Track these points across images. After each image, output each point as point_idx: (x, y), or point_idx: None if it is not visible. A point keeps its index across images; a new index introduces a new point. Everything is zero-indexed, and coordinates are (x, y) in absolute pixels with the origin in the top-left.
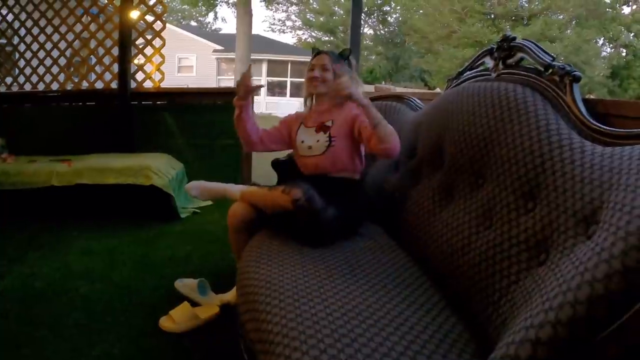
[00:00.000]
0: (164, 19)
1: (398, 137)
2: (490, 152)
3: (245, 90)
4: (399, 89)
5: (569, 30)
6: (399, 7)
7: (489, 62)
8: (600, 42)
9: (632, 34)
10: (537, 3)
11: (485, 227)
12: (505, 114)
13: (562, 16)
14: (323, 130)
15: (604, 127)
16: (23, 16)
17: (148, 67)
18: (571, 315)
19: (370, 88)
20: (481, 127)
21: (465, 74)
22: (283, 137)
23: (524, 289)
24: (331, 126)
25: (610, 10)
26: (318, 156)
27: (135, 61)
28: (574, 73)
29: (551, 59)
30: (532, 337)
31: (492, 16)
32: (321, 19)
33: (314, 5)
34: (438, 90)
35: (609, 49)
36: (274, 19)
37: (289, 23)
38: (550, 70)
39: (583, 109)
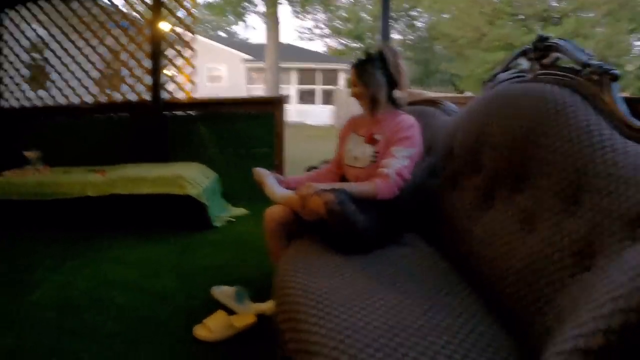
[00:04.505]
0: (193, 29)
1: (374, 187)
2: (531, 155)
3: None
4: (431, 94)
5: (602, 28)
6: (426, 14)
7: (524, 63)
8: (632, 38)
9: None
10: (567, 1)
11: (527, 232)
12: (544, 115)
13: (593, 14)
14: (372, 142)
15: None
16: (55, 31)
17: (179, 78)
18: (623, 322)
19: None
20: (520, 129)
21: (499, 76)
22: None
23: (570, 296)
24: (379, 141)
25: None
26: (360, 169)
27: (167, 72)
28: (612, 71)
29: (588, 57)
30: (582, 346)
31: (523, 17)
32: (349, 25)
33: (342, 13)
34: (469, 94)
35: None
36: (303, 27)
37: (317, 31)
38: (588, 69)
39: (624, 108)
